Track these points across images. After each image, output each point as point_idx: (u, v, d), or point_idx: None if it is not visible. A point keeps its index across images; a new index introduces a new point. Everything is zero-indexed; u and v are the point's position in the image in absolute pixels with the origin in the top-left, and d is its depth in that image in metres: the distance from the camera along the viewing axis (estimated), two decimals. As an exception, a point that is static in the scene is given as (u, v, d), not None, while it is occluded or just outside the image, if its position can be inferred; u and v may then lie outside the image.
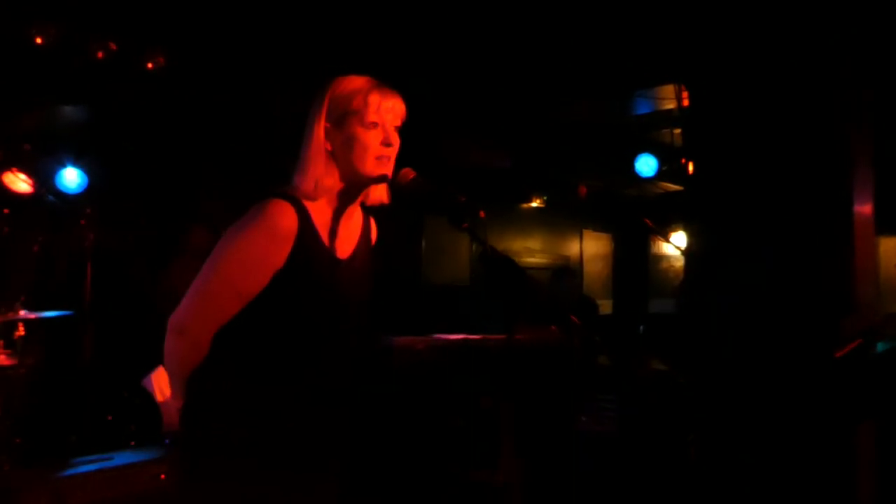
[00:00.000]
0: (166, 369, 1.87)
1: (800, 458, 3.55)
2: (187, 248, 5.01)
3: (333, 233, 1.88)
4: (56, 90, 4.80)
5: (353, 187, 1.89)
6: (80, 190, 5.39)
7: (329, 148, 1.85)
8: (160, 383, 1.98)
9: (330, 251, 1.87)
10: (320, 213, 1.85)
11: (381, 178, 1.87)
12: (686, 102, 4.55)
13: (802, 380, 3.61)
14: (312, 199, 1.83)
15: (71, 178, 5.37)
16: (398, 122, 1.88)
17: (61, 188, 5.34)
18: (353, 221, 1.97)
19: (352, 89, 1.85)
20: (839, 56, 3.73)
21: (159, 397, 1.96)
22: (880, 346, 3.50)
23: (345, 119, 1.83)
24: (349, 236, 1.94)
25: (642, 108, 5.82)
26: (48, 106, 5.09)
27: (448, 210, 1.82)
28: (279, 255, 1.77)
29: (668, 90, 5.09)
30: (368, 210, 2.03)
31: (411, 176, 1.89)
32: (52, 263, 5.25)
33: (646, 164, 6.22)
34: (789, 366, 3.64)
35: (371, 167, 1.84)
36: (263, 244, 1.77)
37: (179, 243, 5.15)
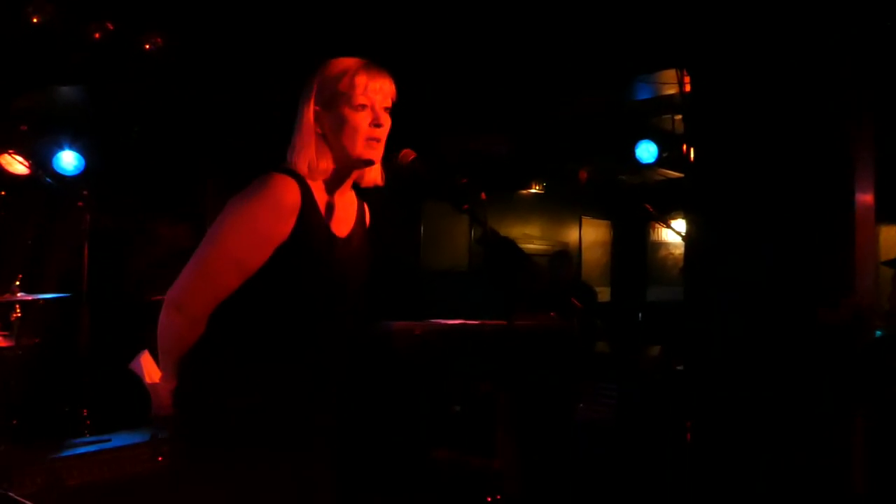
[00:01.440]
0: (160, 347, 1.85)
1: (796, 444, 3.56)
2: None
3: (331, 211, 1.87)
4: (53, 71, 4.77)
5: (346, 168, 1.88)
6: (77, 172, 5.37)
7: (319, 131, 1.84)
8: (148, 366, 1.96)
9: (329, 228, 1.86)
10: (320, 191, 1.85)
11: (370, 161, 1.85)
12: (688, 88, 4.54)
13: (800, 366, 3.62)
14: (310, 178, 1.83)
15: (68, 160, 5.34)
16: (388, 103, 1.86)
17: (58, 170, 5.31)
18: (349, 202, 1.97)
19: (339, 71, 1.84)
20: (843, 46, 3.71)
21: (148, 380, 1.94)
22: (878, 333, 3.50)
23: (333, 101, 1.83)
24: (346, 216, 1.94)
25: (643, 94, 5.79)
26: (45, 87, 5.06)
27: (449, 192, 1.81)
28: (283, 229, 1.76)
29: (670, 75, 5.06)
30: (362, 194, 2.02)
31: (412, 157, 1.87)
32: (49, 245, 5.24)
33: (646, 151, 6.18)
34: (787, 352, 3.64)
35: (361, 149, 1.83)
36: (268, 218, 1.75)
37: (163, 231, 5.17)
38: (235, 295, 1.79)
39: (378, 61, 1.88)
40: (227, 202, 1.79)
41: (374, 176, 1.95)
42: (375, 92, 1.82)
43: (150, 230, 5.35)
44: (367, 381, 4.13)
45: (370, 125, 1.82)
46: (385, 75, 1.86)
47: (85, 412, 4.65)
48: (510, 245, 1.81)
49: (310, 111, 1.84)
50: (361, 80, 1.81)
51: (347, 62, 1.85)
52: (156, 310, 1.81)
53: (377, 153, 1.85)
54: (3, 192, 5.20)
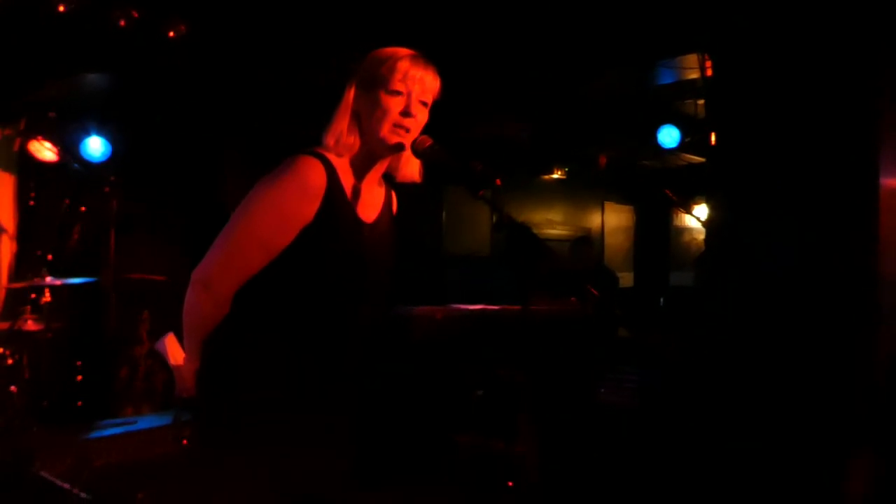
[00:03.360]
0: (185, 326, 1.88)
1: (816, 433, 3.54)
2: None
3: (358, 195, 1.89)
4: (79, 58, 4.82)
5: (373, 152, 1.89)
6: (104, 158, 5.44)
7: (355, 109, 1.87)
8: (173, 348, 1.99)
9: (355, 212, 1.88)
10: (346, 174, 1.87)
11: (396, 147, 1.86)
12: (709, 72, 4.48)
13: (824, 354, 3.59)
14: (336, 155, 1.85)
15: (95, 146, 5.41)
16: (427, 97, 1.87)
17: (86, 156, 5.39)
18: (378, 189, 1.99)
19: (385, 56, 1.86)
20: (869, 25, 3.65)
21: (172, 361, 1.98)
22: None
23: (372, 84, 1.85)
24: (373, 202, 1.96)
25: (665, 78, 5.74)
26: (72, 74, 5.12)
27: (464, 178, 1.81)
28: (308, 210, 1.79)
29: (692, 59, 5.00)
30: (392, 183, 2.03)
31: (428, 143, 1.88)
32: (77, 231, 5.32)
33: (668, 136, 6.15)
34: (810, 339, 3.62)
35: (386, 133, 1.84)
36: (294, 198, 1.78)
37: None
38: (261, 275, 1.81)
39: (403, 45, 1.90)
40: (256, 183, 1.81)
41: (411, 172, 1.97)
42: (414, 81, 1.84)
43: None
44: (388, 366, 4.16)
45: (400, 113, 1.83)
46: (430, 69, 1.87)
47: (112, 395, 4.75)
48: (526, 231, 1.81)
49: (351, 91, 1.88)
50: (403, 66, 1.83)
51: (397, 49, 1.88)
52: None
53: (403, 140, 1.85)
54: (32, 180, 5.29)
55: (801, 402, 3.63)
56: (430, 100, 1.88)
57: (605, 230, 9.07)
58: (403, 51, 1.87)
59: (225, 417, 1.83)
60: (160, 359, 2.04)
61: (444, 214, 7.12)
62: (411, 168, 1.96)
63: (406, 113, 1.83)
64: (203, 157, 5.86)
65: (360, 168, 1.90)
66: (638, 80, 5.95)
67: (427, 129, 1.92)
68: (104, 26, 4.48)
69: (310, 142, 1.90)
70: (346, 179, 1.86)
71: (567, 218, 8.55)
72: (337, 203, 1.82)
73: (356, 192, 1.88)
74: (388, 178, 2.01)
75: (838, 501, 3.46)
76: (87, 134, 5.40)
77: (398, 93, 1.83)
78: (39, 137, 5.07)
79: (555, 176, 8.16)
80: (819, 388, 3.60)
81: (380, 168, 1.94)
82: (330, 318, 1.88)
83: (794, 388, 3.66)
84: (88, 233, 5.30)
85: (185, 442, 3.92)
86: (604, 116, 6.47)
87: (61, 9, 4.20)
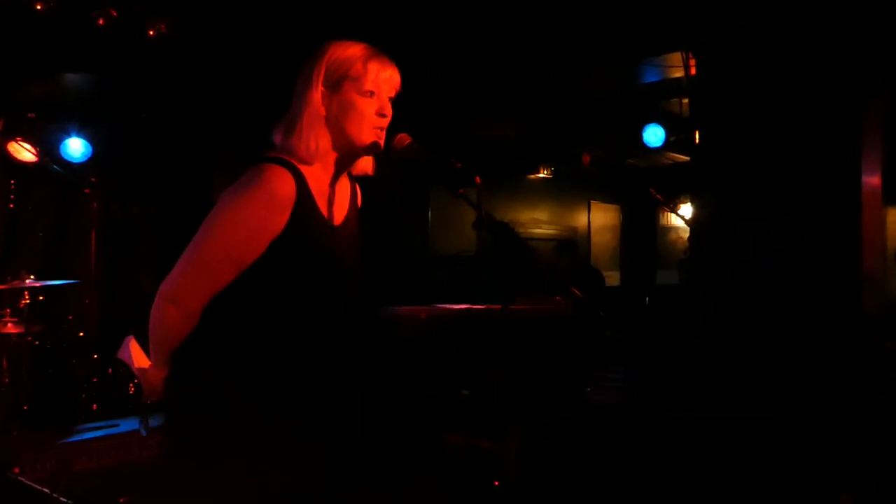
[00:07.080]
0: (152, 339, 1.83)
1: (800, 431, 3.55)
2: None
3: (326, 199, 1.85)
4: (59, 58, 4.77)
5: (345, 154, 1.85)
6: (84, 159, 5.39)
7: (323, 113, 1.81)
8: (136, 352, 1.95)
9: (326, 218, 1.85)
10: (315, 180, 1.82)
11: (373, 147, 1.83)
12: (694, 70, 4.49)
13: (808, 349, 3.61)
14: (307, 164, 1.80)
15: (75, 147, 5.36)
16: (392, 94, 1.85)
17: (66, 157, 5.33)
18: (344, 188, 1.94)
19: (349, 55, 1.82)
20: (851, 25, 3.67)
21: (136, 365, 1.93)
22: None
23: (341, 85, 1.80)
24: (341, 203, 1.92)
25: (650, 77, 5.74)
26: (52, 74, 5.07)
27: (444, 176, 1.79)
28: (278, 222, 1.73)
29: (677, 58, 5.01)
30: (354, 178, 2.00)
31: (407, 142, 1.86)
32: (57, 233, 5.27)
33: (653, 135, 6.14)
34: (794, 335, 3.63)
35: (366, 136, 1.81)
36: (262, 211, 1.72)
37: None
38: (231, 286, 1.77)
39: (386, 45, 1.87)
40: (221, 194, 1.76)
41: (364, 165, 1.94)
42: (385, 81, 1.82)
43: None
44: (373, 366, 4.15)
45: (376, 114, 1.81)
46: (394, 66, 1.85)
47: (93, 399, 4.71)
48: (505, 229, 1.79)
49: (316, 93, 1.80)
50: (373, 67, 1.80)
51: (356, 47, 1.83)
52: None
53: (380, 139, 1.83)
54: (12, 181, 5.24)
55: (788, 398, 3.64)
56: (394, 95, 1.86)
57: (592, 229, 9.08)
58: (363, 48, 1.83)
59: (198, 423, 1.79)
60: (124, 366, 1.99)
61: (429, 214, 7.09)
62: (366, 162, 1.94)
63: (381, 113, 1.81)
64: (191, 157, 5.82)
65: (330, 169, 1.86)
66: (623, 78, 5.96)
67: (416, 128, 1.90)
68: (84, 26, 4.43)
69: (273, 135, 1.84)
70: (316, 185, 1.81)
71: (553, 217, 8.55)
72: (307, 212, 1.78)
73: (325, 196, 1.84)
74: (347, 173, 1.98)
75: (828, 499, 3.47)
76: (68, 135, 5.35)
77: (371, 94, 1.80)
78: (18, 138, 5.00)
79: (541, 175, 8.15)
80: (805, 383, 3.61)
81: (350, 167, 1.91)
82: (302, 322, 1.84)
83: (780, 383, 3.67)
84: (69, 235, 5.25)
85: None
86: (589, 115, 6.48)
87: (38, 7, 4.15)
